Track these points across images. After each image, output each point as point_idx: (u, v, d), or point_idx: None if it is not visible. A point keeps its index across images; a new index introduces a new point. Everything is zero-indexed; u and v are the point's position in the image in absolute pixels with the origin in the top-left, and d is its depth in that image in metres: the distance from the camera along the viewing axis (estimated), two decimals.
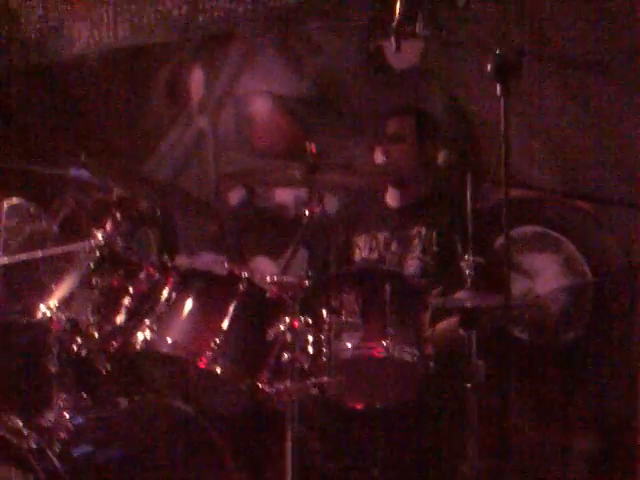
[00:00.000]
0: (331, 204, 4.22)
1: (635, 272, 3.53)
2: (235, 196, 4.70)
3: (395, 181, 3.75)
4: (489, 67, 3.07)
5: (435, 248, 3.63)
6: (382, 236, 3.74)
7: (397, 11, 3.29)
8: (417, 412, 3.30)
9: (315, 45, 4.58)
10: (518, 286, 3.92)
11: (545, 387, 3.93)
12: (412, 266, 3.62)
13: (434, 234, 3.64)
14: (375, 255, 3.70)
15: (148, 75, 5.11)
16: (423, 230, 3.67)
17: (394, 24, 3.27)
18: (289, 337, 2.93)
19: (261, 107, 4.74)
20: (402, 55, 4.22)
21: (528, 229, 3.96)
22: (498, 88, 3.04)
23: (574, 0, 3.90)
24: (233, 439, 3.25)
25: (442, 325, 3.30)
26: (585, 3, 3.87)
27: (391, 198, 3.84)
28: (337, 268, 3.62)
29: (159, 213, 3.63)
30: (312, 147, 3.15)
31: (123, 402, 3.30)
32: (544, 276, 3.93)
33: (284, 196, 4.54)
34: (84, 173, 3.77)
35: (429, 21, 4.15)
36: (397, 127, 3.77)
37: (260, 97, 4.74)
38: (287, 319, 2.94)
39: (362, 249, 3.75)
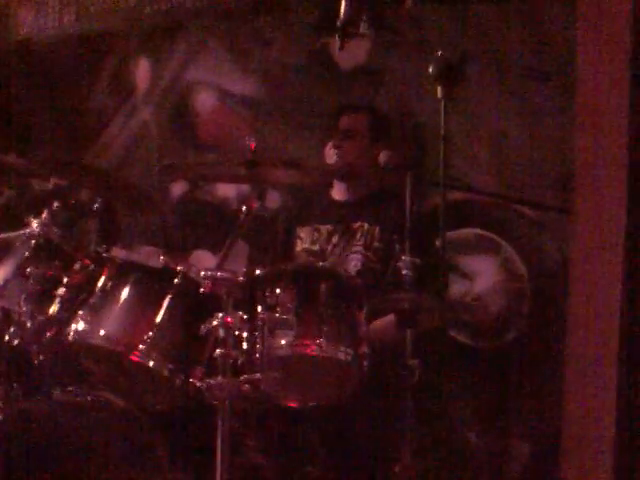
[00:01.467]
0: (273, 199, 4.21)
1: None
2: (177, 188, 4.68)
3: (344, 176, 3.75)
4: (431, 69, 3.10)
5: (377, 244, 3.65)
6: (325, 229, 3.74)
7: (342, 10, 3.30)
8: (352, 411, 3.30)
9: (262, 41, 4.57)
10: (457, 287, 3.94)
11: (482, 388, 3.96)
12: (353, 260, 3.64)
13: (377, 230, 3.66)
14: (316, 247, 3.71)
15: (93, 63, 5.06)
16: (366, 225, 3.68)
17: (338, 23, 3.28)
18: (222, 333, 2.91)
19: (206, 101, 4.71)
20: (348, 54, 4.22)
21: (468, 231, 3.98)
22: (439, 90, 3.07)
23: (517, 9, 3.92)
24: (167, 434, 3.22)
25: (378, 323, 3.31)
26: (527, 12, 3.90)
27: (338, 192, 3.85)
28: (277, 262, 3.60)
29: (99, 203, 3.58)
30: (251, 143, 3.13)
31: (56, 394, 3.26)
32: (483, 277, 3.96)
33: (227, 190, 4.52)
34: (22, 161, 3.73)
35: (375, 21, 4.17)
36: (350, 123, 3.77)
37: (205, 90, 4.71)
38: (220, 314, 2.92)
39: (304, 241, 3.76)
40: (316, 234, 3.74)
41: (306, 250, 3.72)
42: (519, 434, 3.88)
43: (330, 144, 3.77)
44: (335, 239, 3.70)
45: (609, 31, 2.74)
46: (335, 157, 3.73)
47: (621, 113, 2.74)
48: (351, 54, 4.26)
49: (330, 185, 3.83)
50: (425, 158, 3.90)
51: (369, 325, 3.11)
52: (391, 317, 3.21)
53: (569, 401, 2.79)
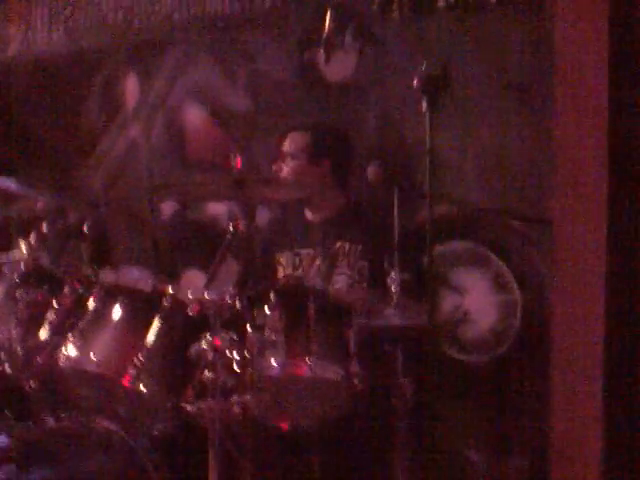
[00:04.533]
0: (263, 218, 4.20)
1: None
2: (168, 208, 4.67)
3: (303, 199, 3.76)
4: (415, 82, 3.09)
5: (361, 263, 3.64)
6: (305, 252, 3.73)
7: (327, 23, 3.30)
8: (345, 430, 3.30)
9: (249, 55, 4.56)
10: (447, 302, 3.93)
11: (475, 404, 3.95)
12: (338, 282, 3.62)
13: (359, 249, 3.65)
14: (300, 272, 3.69)
15: (82, 80, 5.05)
16: (347, 245, 3.66)
17: (324, 35, 3.28)
18: (211, 355, 2.91)
19: (194, 118, 4.71)
20: (335, 68, 4.21)
21: (458, 245, 3.98)
22: (424, 103, 3.06)
23: (498, 23, 3.93)
24: (160, 458, 3.22)
25: None
26: (508, 26, 3.90)
27: (307, 214, 3.84)
28: (260, 284, 3.60)
29: (89, 225, 3.58)
30: (238, 160, 3.13)
31: (49, 421, 3.25)
32: (473, 291, 3.96)
33: (217, 208, 4.51)
34: (11, 183, 3.72)
35: (360, 34, 4.18)
36: (289, 145, 3.77)
37: (193, 107, 4.71)
38: (208, 336, 2.92)
39: (285, 267, 3.74)
40: (297, 259, 3.73)
41: (288, 277, 3.70)
42: (516, 449, 3.87)
43: (274, 165, 3.78)
44: (317, 262, 3.68)
45: (586, 42, 2.74)
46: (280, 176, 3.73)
47: (600, 120, 2.75)
48: (338, 67, 4.25)
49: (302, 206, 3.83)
50: (412, 173, 3.89)
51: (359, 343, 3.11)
52: None
53: (556, 413, 2.79)
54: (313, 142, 3.77)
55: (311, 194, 3.71)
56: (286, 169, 3.75)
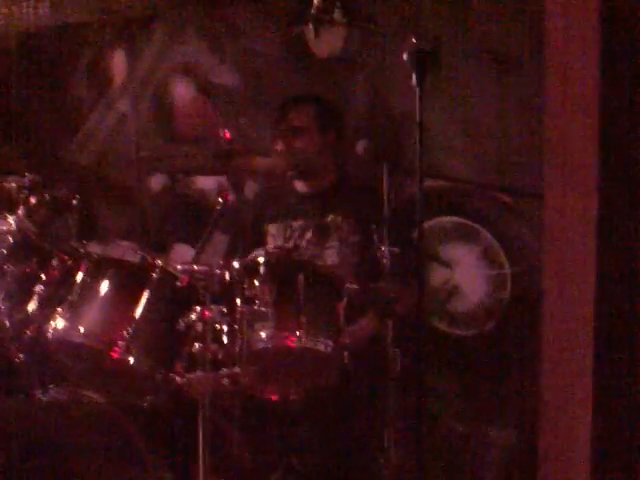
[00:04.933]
0: (252, 190, 4.19)
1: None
2: (156, 182, 4.65)
3: (299, 172, 3.72)
4: (405, 56, 3.08)
5: (352, 237, 3.62)
6: (297, 224, 3.71)
7: None
8: (333, 402, 3.30)
9: (237, 29, 4.54)
10: (437, 276, 3.94)
11: (464, 377, 3.96)
12: (330, 255, 3.61)
13: (351, 223, 3.63)
14: (290, 244, 3.67)
15: (69, 55, 5.01)
16: (339, 219, 3.65)
17: (312, 11, 3.26)
18: (200, 327, 2.90)
19: (182, 92, 4.69)
20: (324, 43, 4.20)
21: (447, 219, 3.98)
22: (413, 77, 3.05)
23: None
24: (149, 430, 3.22)
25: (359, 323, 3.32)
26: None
27: (298, 185, 3.80)
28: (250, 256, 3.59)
29: (78, 199, 3.56)
30: (225, 133, 3.12)
31: (37, 392, 3.24)
32: (463, 266, 3.96)
33: (206, 182, 4.50)
34: None
35: (349, 9, 4.16)
36: (297, 118, 3.69)
37: (181, 81, 4.69)
38: (198, 308, 2.92)
39: (276, 238, 3.72)
40: (288, 230, 3.70)
41: (279, 247, 3.67)
42: (503, 422, 3.89)
43: (280, 143, 3.70)
44: (309, 235, 3.66)
45: (578, 19, 2.74)
46: (284, 152, 3.68)
47: (590, 93, 2.75)
48: (326, 43, 4.24)
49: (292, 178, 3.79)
50: (402, 147, 3.89)
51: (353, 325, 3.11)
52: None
53: (545, 386, 2.80)
54: (320, 113, 3.73)
55: (306, 166, 3.68)
56: (296, 144, 3.67)
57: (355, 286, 3.10)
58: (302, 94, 3.96)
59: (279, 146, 3.67)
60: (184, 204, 4.58)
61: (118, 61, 4.89)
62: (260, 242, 3.70)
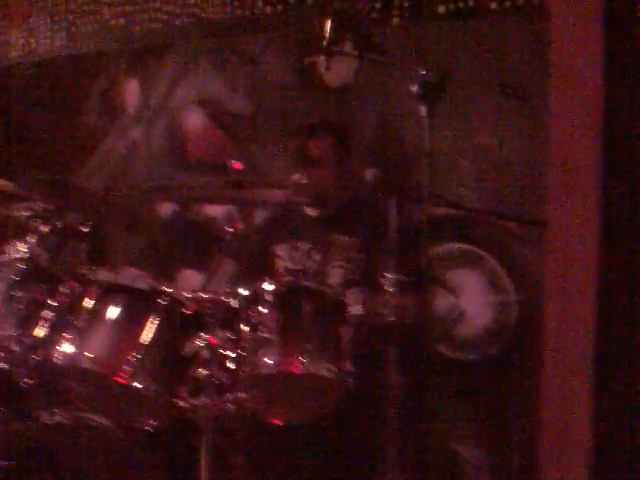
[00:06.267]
0: (258, 217, 4.22)
1: None
2: (166, 208, 4.69)
3: (313, 201, 3.75)
4: (414, 88, 3.12)
5: (357, 256, 3.64)
6: (303, 246, 3.72)
7: (327, 30, 3.32)
8: (337, 427, 3.31)
9: (249, 59, 4.60)
10: (443, 302, 3.95)
11: (468, 402, 3.97)
12: (334, 275, 3.62)
13: (355, 242, 3.65)
14: (297, 265, 3.69)
15: (83, 84, 5.09)
16: (345, 238, 3.67)
17: (324, 42, 3.30)
18: (206, 353, 2.93)
19: (194, 121, 4.74)
20: (335, 72, 4.25)
21: (454, 246, 4.00)
22: (422, 109, 3.09)
23: (502, 32, 3.96)
24: (153, 454, 3.24)
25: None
26: (505, 32, 3.93)
27: (309, 210, 3.84)
28: (257, 280, 3.61)
29: (88, 226, 3.60)
30: (236, 164, 3.16)
31: (44, 416, 3.27)
32: (468, 292, 3.98)
33: (214, 210, 4.53)
34: (10, 184, 3.74)
35: (361, 40, 4.22)
36: (317, 150, 3.74)
37: (193, 110, 4.74)
38: (204, 335, 2.94)
39: (284, 260, 3.74)
40: (295, 252, 3.72)
41: (287, 269, 3.70)
42: (507, 447, 3.89)
43: (298, 174, 3.72)
44: (315, 256, 3.67)
45: (582, 45, 2.76)
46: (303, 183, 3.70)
47: (595, 123, 2.77)
48: (338, 73, 4.29)
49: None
50: (409, 175, 3.92)
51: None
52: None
53: (546, 412, 2.81)
54: (339, 143, 3.78)
55: (322, 195, 3.71)
56: (315, 174, 3.70)
57: (359, 310, 3.12)
58: (319, 122, 3.97)
59: (297, 177, 3.70)
60: (193, 230, 4.61)
61: (131, 90, 4.95)
62: (267, 265, 3.72)
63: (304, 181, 3.60)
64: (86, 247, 4.02)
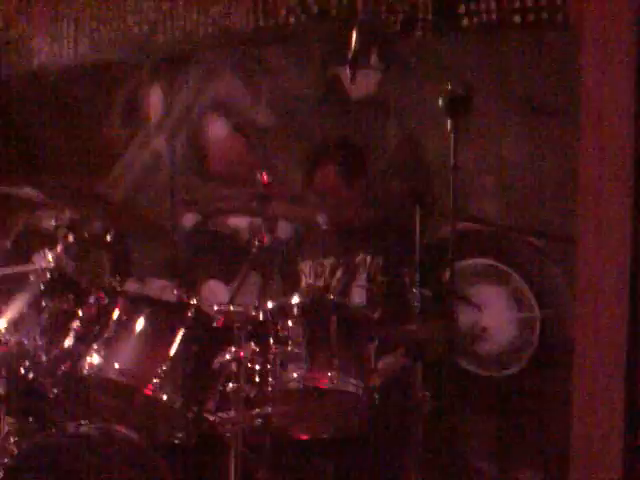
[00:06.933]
0: (284, 230, 4.23)
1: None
2: (189, 219, 4.70)
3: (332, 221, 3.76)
4: (440, 102, 3.12)
5: (381, 277, 3.65)
6: (327, 263, 3.74)
7: (352, 42, 3.33)
8: (363, 443, 3.32)
9: (273, 70, 4.61)
10: (466, 318, 3.95)
11: (491, 418, 3.97)
12: (357, 294, 3.64)
13: (380, 262, 3.66)
14: (321, 282, 3.71)
15: (107, 93, 5.10)
16: (368, 258, 3.68)
17: (349, 55, 3.31)
18: (234, 367, 2.94)
19: (217, 131, 4.74)
20: (359, 85, 4.25)
21: (478, 262, 4.00)
22: (448, 123, 3.09)
23: (526, 45, 3.96)
24: (179, 467, 3.24)
25: (389, 359, 3.33)
26: (533, 46, 3.94)
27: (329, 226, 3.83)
28: (284, 296, 3.62)
29: (112, 236, 3.62)
30: (263, 176, 3.17)
31: (70, 427, 3.27)
32: (492, 308, 3.98)
33: (237, 221, 4.54)
34: (36, 193, 3.76)
35: (386, 53, 4.22)
36: (324, 182, 3.76)
37: (217, 121, 4.74)
38: (233, 349, 2.96)
39: (307, 276, 3.76)
40: (319, 268, 3.74)
41: (311, 286, 3.71)
42: (530, 463, 3.89)
43: (311, 196, 3.74)
44: (339, 274, 3.69)
45: (613, 61, 2.76)
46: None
47: (625, 138, 2.76)
48: (362, 85, 4.29)
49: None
50: (433, 189, 3.92)
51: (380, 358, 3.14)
52: (400, 350, 3.23)
53: (575, 429, 2.80)
54: (345, 168, 3.76)
55: (339, 215, 3.72)
56: (327, 201, 3.71)
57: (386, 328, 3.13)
58: (323, 149, 3.96)
59: (312, 198, 3.73)
60: (216, 241, 4.62)
61: (154, 99, 4.96)
62: (293, 281, 3.74)
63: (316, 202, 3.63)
64: (109, 256, 4.03)
